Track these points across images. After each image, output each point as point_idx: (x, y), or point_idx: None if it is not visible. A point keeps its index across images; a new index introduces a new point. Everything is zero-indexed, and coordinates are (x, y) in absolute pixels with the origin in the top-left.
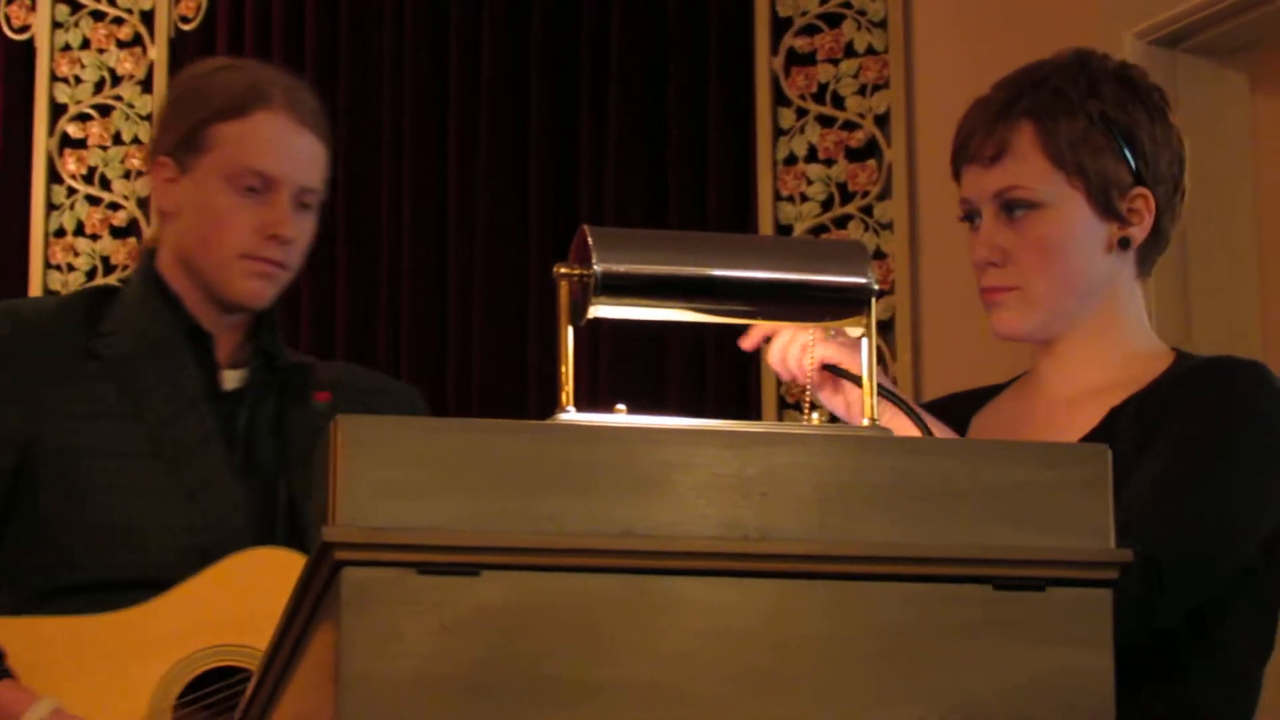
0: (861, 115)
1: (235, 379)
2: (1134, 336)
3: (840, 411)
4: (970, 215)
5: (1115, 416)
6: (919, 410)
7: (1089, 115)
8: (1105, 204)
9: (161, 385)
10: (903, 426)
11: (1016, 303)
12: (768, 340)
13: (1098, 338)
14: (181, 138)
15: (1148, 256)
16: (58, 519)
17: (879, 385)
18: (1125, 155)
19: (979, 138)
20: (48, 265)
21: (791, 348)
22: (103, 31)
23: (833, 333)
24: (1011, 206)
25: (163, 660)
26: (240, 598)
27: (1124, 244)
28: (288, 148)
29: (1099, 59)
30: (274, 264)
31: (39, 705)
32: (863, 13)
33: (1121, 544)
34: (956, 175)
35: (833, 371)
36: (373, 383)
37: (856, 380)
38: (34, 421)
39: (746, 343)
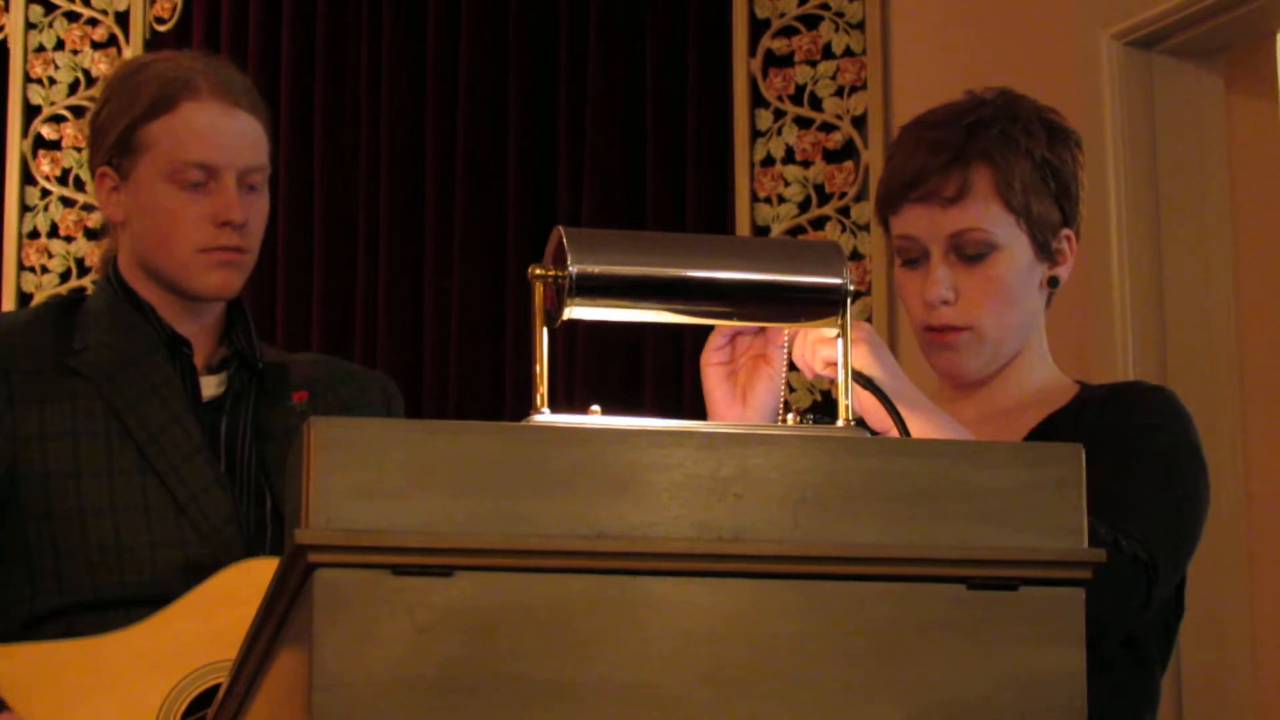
0: (839, 117)
1: (214, 385)
2: (1042, 366)
3: (864, 414)
4: (913, 255)
5: (1042, 432)
6: (898, 408)
7: (1032, 158)
8: (1044, 245)
9: (146, 398)
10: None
11: (970, 343)
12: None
13: (1014, 370)
14: (114, 145)
15: (1054, 292)
16: (45, 542)
17: (864, 378)
18: (1058, 198)
19: (936, 178)
20: (21, 267)
21: (806, 347)
22: (77, 33)
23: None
24: (965, 247)
25: (166, 678)
26: (240, 610)
27: (1053, 283)
28: (222, 132)
29: (1025, 101)
30: (233, 250)
31: None
32: (840, 14)
33: (1117, 544)
34: (891, 211)
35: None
36: (346, 372)
37: (864, 383)
38: (19, 445)
39: (718, 345)
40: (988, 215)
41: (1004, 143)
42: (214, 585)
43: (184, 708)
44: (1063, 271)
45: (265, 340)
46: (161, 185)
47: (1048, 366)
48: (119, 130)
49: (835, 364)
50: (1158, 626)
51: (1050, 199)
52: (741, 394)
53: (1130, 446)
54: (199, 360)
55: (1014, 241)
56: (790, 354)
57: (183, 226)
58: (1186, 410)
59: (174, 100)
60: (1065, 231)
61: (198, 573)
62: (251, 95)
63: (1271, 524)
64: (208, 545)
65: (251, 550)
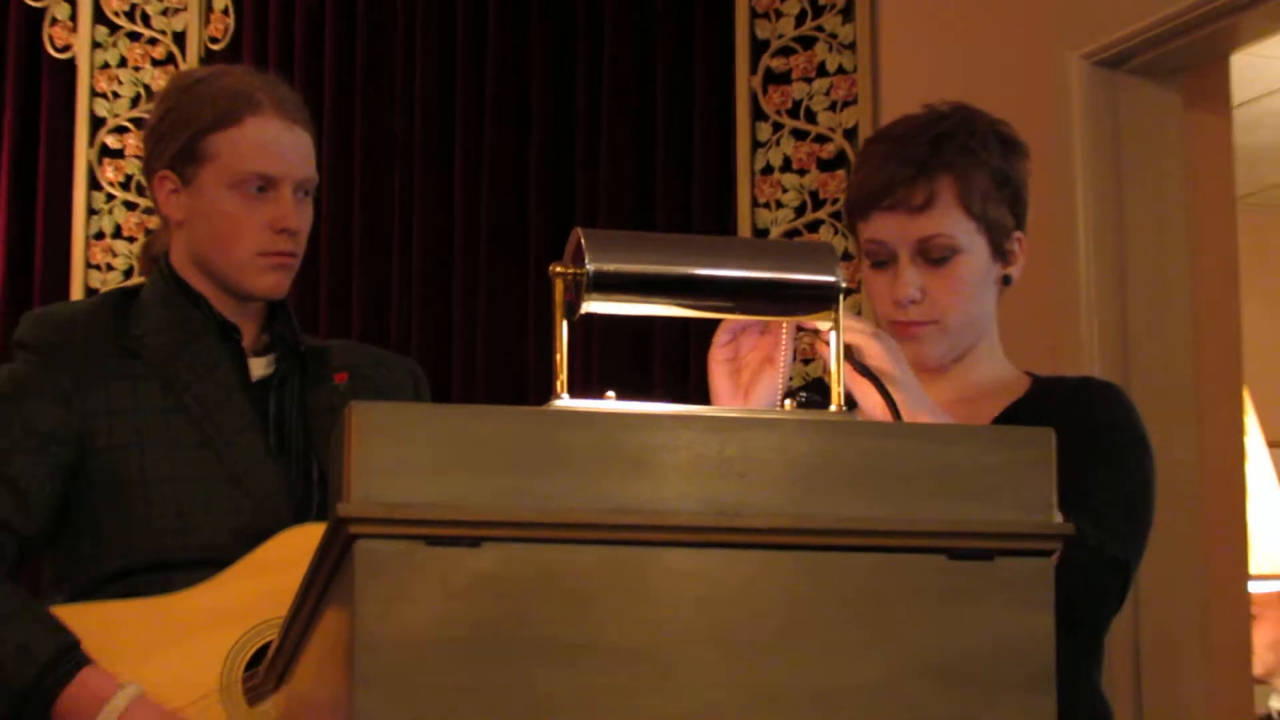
0: (832, 129)
1: (261, 367)
2: (994, 358)
3: (866, 404)
4: (881, 258)
5: (1006, 420)
6: (902, 400)
7: (989, 168)
8: (999, 248)
9: (201, 379)
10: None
11: (935, 335)
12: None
13: (970, 361)
14: (179, 151)
15: (1005, 289)
16: (112, 511)
17: (863, 366)
18: (1011, 204)
19: (904, 189)
20: (88, 265)
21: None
22: (139, 51)
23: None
24: (931, 252)
25: (228, 635)
26: (294, 571)
27: (1006, 281)
28: (282, 146)
29: (980, 115)
30: (287, 255)
31: (123, 692)
32: (834, 36)
33: (1101, 548)
34: (861, 218)
35: (850, 362)
36: (377, 357)
37: (862, 370)
38: (87, 420)
39: (723, 342)
40: (952, 222)
41: (965, 155)
42: (270, 548)
43: (246, 660)
44: (1014, 270)
45: (308, 332)
46: (224, 192)
47: (999, 358)
48: (183, 139)
49: (848, 356)
50: None
51: (1005, 205)
52: (744, 390)
53: (1093, 441)
54: (246, 345)
55: (974, 245)
56: (796, 349)
57: (243, 231)
58: (1132, 402)
59: (238, 114)
60: (1017, 234)
61: (250, 537)
62: (303, 111)
63: (1221, 502)
64: (259, 513)
65: (300, 516)
